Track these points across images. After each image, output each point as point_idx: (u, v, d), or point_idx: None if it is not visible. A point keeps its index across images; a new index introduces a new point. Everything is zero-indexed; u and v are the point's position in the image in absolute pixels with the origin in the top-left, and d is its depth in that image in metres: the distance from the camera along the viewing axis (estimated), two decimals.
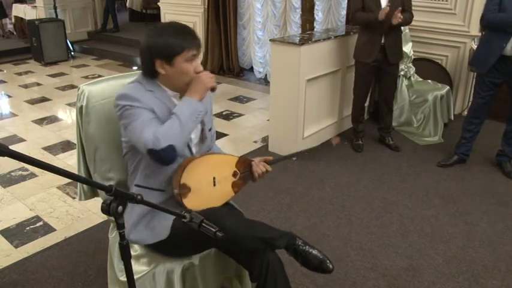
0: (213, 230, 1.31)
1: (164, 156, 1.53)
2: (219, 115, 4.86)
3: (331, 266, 1.76)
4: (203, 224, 1.32)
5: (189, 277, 1.76)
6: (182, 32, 1.63)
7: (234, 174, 1.82)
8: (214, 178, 1.75)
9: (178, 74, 1.64)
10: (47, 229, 2.81)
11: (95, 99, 1.80)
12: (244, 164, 1.85)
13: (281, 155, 1.98)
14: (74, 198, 3.16)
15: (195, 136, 1.78)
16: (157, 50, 1.61)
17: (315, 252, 1.77)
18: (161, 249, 1.74)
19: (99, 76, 6.26)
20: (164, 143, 1.50)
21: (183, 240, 1.67)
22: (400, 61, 3.80)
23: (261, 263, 1.65)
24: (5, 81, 6.28)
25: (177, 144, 1.54)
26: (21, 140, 4.23)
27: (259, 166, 1.85)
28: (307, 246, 1.78)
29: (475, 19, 4.29)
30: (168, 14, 6.68)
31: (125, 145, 1.74)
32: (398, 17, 3.38)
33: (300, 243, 1.79)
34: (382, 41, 3.56)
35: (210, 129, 1.85)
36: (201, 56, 6.34)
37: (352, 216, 2.95)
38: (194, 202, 1.66)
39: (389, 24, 3.41)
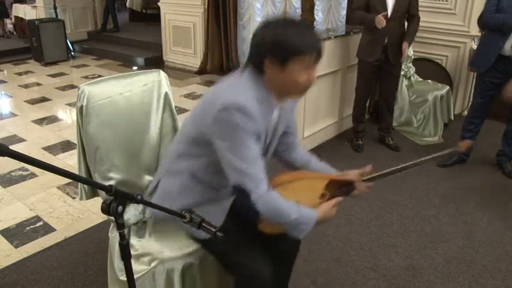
0: (213, 230, 1.31)
1: (249, 212, 1.44)
2: None
3: None
4: (203, 224, 1.32)
5: (189, 277, 1.76)
6: (309, 33, 1.42)
7: (322, 197, 1.65)
8: (297, 202, 1.56)
9: (287, 80, 1.42)
10: (47, 229, 2.81)
11: (95, 99, 1.80)
12: (337, 184, 1.68)
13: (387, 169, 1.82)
14: (74, 198, 3.16)
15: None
16: (273, 46, 1.37)
17: None
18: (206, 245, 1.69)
19: (99, 76, 6.26)
20: (263, 210, 1.42)
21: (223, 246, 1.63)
22: (401, 62, 3.80)
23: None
24: (5, 81, 6.28)
25: (264, 218, 1.47)
26: (21, 140, 4.23)
27: (362, 187, 1.72)
28: None
29: (475, 19, 4.28)
30: (168, 14, 6.68)
31: (194, 136, 1.56)
32: (405, 53, 3.62)
33: None
34: (386, 41, 3.56)
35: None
36: (201, 56, 6.39)
37: (352, 216, 2.95)
38: (268, 227, 1.59)
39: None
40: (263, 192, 1.42)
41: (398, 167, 1.79)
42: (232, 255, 1.63)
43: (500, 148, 3.56)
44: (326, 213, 1.54)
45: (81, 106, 1.79)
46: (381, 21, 3.40)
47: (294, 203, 1.48)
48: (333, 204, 1.57)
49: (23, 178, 3.47)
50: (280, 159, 1.82)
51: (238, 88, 1.44)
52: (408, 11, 3.58)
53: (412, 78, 4.45)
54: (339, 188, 1.69)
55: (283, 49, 1.37)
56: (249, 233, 1.64)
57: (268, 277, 1.61)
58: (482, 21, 3.18)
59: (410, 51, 4.37)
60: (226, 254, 1.66)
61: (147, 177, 1.99)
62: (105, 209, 1.16)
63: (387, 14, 3.49)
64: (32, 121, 4.71)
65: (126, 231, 1.59)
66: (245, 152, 1.40)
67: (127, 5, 10.18)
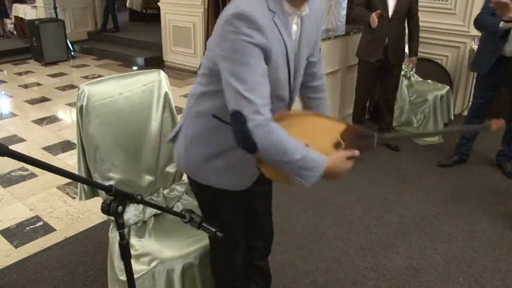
0: (213, 230, 1.32)
1: (245, 142, 1.26)
2: None
3: None
4: (203, 224, 1.32)
5: (188, 276, 1.76)
6: None
7: (337, 145, 1.42)
8: (307, 146, 1.35)
9: None
10: (47, 229, 2.81)
11: (95, 99, 1.80)
12: (355, 134, 1.45)
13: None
14: (74, 198, 3.16)
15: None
16: None
17: None
18: (201, 191, 1.61)
19: (99, 76, 6.26)
20: (262, 142, 1.24)
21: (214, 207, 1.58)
22: (401, 62, 3.81)
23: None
24: (5, 81, 6.28)
25: (261, 154, 1.29)
26: (21, 140, 4.23)
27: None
28: None
29: None
30: (168, 13, 6.68)
31: (210, 69, 1.38)
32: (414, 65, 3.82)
33: None
34: (386, 41, 3.56)
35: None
36: (201, 56, 6.38)
37: (352, 216, 2.95)
38: (270, 170, 1.39)
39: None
40: (262, 120, 1.23)
41: (421, 132, 1.58)
42: (218, 213, 1.59)
43: (500, 148, 3.56)
44: (339, 164, 1.34)
45: (81, 106, 1.79)
46: (373, 20, 3.39)
47: (300, 142, 1.29)
48: (349, 155, 1.36)
49: (23, 178, 3.47)
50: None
51: None
52: (409, 13, 3.59)
53: (412, 78, 4.45)
54: (356, 139, 1.44)
55: None
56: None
57: (239, 238, 1.65)
58: (476, 23, 3.19)
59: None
60: (213, 209, 1.59)
61: (147, 177, 1.99)
62: (105, 209, 1.16)
63: (388, 14, 3.49)
64: (32, 121, 4.71)
65: (126, 231, 1.60)
66: (245, 72, 1.22)
67: (127, 5, 10.17)
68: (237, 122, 1.25)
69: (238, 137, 1.28)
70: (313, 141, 1.35)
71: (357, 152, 1.38)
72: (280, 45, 1.29)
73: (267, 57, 1.26)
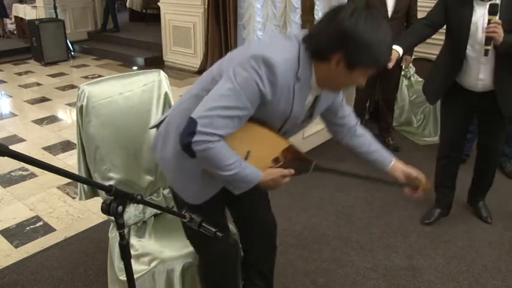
0: (213, 230, 1.32)
1: (185, 147, 1.31)
2: None
3: None
4: (203, 224, 1.32)
5: (188, 276, 1.76)
6: (386, 38, 1.25)
7: (275, 161, 1.50)
8: (248, 152, 1.44)
9: (341, 78, 1.32)
10: (47, 229, 2.81)
11: (95, 99, 1.80)
12: (295, 155, 1.52)
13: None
14: (74, 198, 3.16)
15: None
16: (353, 46, 1.22)
17: None
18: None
19: (99, 76, 6.26)
20: (199, 154, 1.29)
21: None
22: (400, 62, 3.80)
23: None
24: (5, 81, 6.28)
25: (198, 160, 1.34)
26: (21, 140, 4.23)
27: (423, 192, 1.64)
28: None
29: None
30: (168, 14, 6.68)
31: (213, 78, 1.43)
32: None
33: None
34: None
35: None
36: (201, 56, 6.39)
37: (352, 216, 2.95)
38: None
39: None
40: (209, 138, 1.28)
41: (353, 173, 1.76)
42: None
43: (500, 148, 3.55)
44: (273, 179, 1.44)
45: (81, 106, 1.79)
46: None
47: (238, 158, 1.35)
48: (284, 173, 1.45)
49: (23, 178, 3.47)
50: (340, 141, 1.80)
51: (280, 50, 1.30)
52: (408, 14, 3.59)
53: (412, 78, 4.45)
54: (295, 160, 1.52)
55: (363, 56, 1.25)
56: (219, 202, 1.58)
57: (228, 248, 1.63)
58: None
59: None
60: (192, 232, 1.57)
61: (147, 177, 1.99)
62: (105, 209, 1.16)
63: (387, 14, 3.50)
64: (32, 121, 4.71)
65: (126, 231, 1.59)
66: (232, 105, 1.27)
67: (127, 5, 10.17)
68: (189, 128, 1.29)
69: (182, 140, 1.31)
70: (255, 150, 1.43)
71: (292, 171, 1.47)
72: (286, 105, 1.36)
73: (262, 103, 1.31)
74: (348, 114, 1.71)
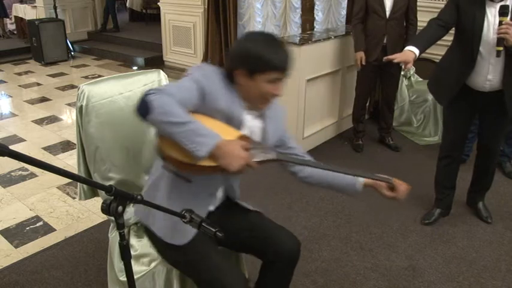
0: (213, 230, 1.31)
1: (140, 104, 1.37)
2: None
3: None
4: (203, 224, 1.32)
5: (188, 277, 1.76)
6: (277, 49, 1.51)
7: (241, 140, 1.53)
8: None
9: (253, 89, 1.52)
10: (47, 229, 2.81)
11: (95, 99, 1.80)
12: (249, 143, 1.51)
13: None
14: (74, 198, 3.16)
15: None
16: (242, 59, 1.51)
17: None
18: (165, 252, 1.68)
19: (99, 76, 6.26)
20: (155, 103, 1.33)
21: (187, 264, 1.62)
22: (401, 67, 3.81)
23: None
24: (5, 81, 6.28)
25: (154, 114, 1.34)
26: (21, 140, 4.23)
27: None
28: None
29: None
30: (168, 14, 6.68)
31: None
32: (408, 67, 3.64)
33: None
34: (385, 41, 3.57)
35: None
36: (201, 56, 6.39)
37: (352, 216, 2.95)
38: (168, 145, 1.42)
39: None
40: (158, 91, 1.37)
41: (312, 163, 1.68)
42: (203, 270, 1.57)
43: (500, 148, 3.55)
44: (231, 146, 1.38)
45: (81, 106, 1.79)
46: (356, 63, 3.68)
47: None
48: (245, 145, 1.42)
49: (23, 178, 3.47)
50: (300, 179, 1.84)
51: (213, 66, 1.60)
52: (407, 14, 3.59)
53: (412, 78, 4.45)
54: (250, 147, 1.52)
55: (253, 65, 1.49)
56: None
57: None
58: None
59: None
60: (195, 269, 1.59)
61: (147, 178, 1.99)
62: (105, 209, 1.16)
63: (385, 14, 3.50)
64: (32, 121, 4.71)
65: (126, 231, 1.59)
66: (176, 83, 1.47)
67: (127, 5, 10.18)
68: (144, 93, 1.38)
69: (138, 103, 1.38)
70: (221, 133, 1.45)
71: (248, 145, 1.45)
72: (225, 104, 1.52)
73: (203, 97, 1.48)
74: (299, 147, 1.81)
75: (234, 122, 1.54)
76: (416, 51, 2.45)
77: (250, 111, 1.60)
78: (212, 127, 1.42)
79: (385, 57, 2.54)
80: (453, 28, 2.60)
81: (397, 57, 2.42)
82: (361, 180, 1.74)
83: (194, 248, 1.59)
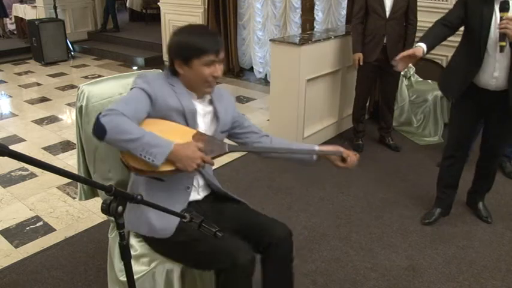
0: (213, 230, 1.32)
1: (95, 127, 1.48)
2: None
3: None
4: (203, 224, 1.32)
5: (188, 277, 1.76)
6: (203, 35, 1.64)
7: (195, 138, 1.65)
8: None
9: (194, 76, 1.64)
10: (47, 229, 2.81)
11: (95, 99, 1.80)
12: (205, 139, 1.64)
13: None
14: (74, 198, 3.16)
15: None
16: (176, 51, 1.63)
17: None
18: (158, 246, 1.72)
19: (99, 76, 6.26)
20: (106, 122, 1.45)
21: (184, 247, 1.65)
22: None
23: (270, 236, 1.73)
24: (5, 81, 6.28)
25: (109, 135, 1.46)
26: (21, 140, 4.23)
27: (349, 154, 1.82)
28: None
29: None
30: (168, 14, 6.68)
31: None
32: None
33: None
34: (385, 41, 3.57)
35: (222, 132, 1.79)
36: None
37: (352, 216, 2.95)
38: (131, 158, 1.52)
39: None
40: (111, 112, 1.48)
41: (268, 148, 1.85)
42: (202, 243, 1.59)
43: (504, 152, 3.55)
44: (186, 148, 1.51)
45: (81, 106, 1.79)
46: (354, 63, 3.69)
47: (141, 127, 1.53)
48: (199, 146, 1.55)
49: (23, 178, 3.47)
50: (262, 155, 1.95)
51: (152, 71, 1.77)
52: (407, 14, 3.58)
53: (412, 78, 4.45)
54: (208, 143, 1.64)
55: (185, 52, 1.61)
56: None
57: (247, 262, 1.56)
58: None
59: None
60: (193, 246, 1.62)
61: None
62: (105, 209, 1.16)
63: (385, 14, 3.50)
64: (32, 121, 4.71)
65: (126, 231, 1.59)
66: (126, 97, 1.61)
67: (127, 5, 10.18)
68: (97, 116, 1.49)
69: (93, 126, 1.49)
70: (169, 137, 1.55)
71: (200, 145, 1.56)
72: (174, 101, 1.63)
73: (153, 102, 1.60)
74: (256, 127, 1.91)
75: (188, 114, 1.65)
76: (424, 46, 2.49)
77: (199, 99, 1.72)
78: (168, 131, 1.57)
79: (393, 61, 2.55)
80: (462, 28, 2.61)
81: (407, 52, 2.46)
82: (317, 147, 1.88)
83: (185, 231, 1.62)
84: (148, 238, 1.72)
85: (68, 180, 3.32)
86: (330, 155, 1.84)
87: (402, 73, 4.26)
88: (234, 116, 1.84)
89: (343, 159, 1.84)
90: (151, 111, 1.61)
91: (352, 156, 1.83)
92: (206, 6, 6.13)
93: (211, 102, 1.76)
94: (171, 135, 1.56)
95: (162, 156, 1.47)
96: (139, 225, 1.69)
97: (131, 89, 1.63)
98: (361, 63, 3.64)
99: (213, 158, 1.61)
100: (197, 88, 1.68)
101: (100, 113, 1.49)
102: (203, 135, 1.65)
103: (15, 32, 9.07)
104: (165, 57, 6.88)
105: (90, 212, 2.99)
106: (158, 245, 1.71)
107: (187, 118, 1.66)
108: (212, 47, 1.60)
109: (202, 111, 1.73)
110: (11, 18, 9.06)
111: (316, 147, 1.87)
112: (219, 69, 1.65)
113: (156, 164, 1.47)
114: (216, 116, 1.75)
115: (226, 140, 1.79)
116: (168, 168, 1.51)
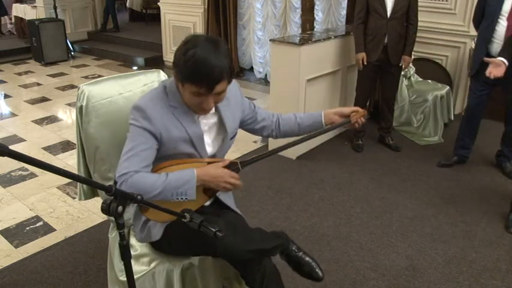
0: (213, 230, 1.31)
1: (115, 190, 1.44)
2: None
3: (320, 274, 1.77)
4: (203, 224, 1.32)
5: (188, 277, 1.76)
6: (205, 63, 1.42)
7: None
8: None
9: (185, 98, 1.53)
10: (47, 229, 2.81)
11: (95, 99, 1.80)
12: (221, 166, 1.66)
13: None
14: (74, 198, 3.16)
15: (210, 141, 1.69)
16: (175, 62, 1.49)
17: (307, 259, 1.78)
18: (158, 248, 1.75)
19: (99, 76, 6.26)
20: (125, 188, 1.42)
21: (178, 243, 1.67)
22: (401, 62, 3.80)
23: (257, 271, 1.64)
24: (5, 81, 6.28)
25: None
26: (21, 140, 4.23)
27: (357, 118, 1.80)
28: (301, 253, 1.79)
29: None
30: (168, 13, 6.68)
31: None
32: (406, 66, 3.78)
33: (293, 248, 1.79)
34: (385, 41, 3.58)
35: (231, 138, 1.74)
36: None
37: (352, 216, 2.95)
38: (154, 214, 1.60)
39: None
40: (123, 176, 1.47)
41: (281, 146, 1.76)
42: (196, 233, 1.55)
43: (499, 148, 3.56)
44: (210, 169, 1.55)
45: (81, 106, 1.79)
46: (358, 63, 3.70)
47: (160, 174, 1.52)
48: (222, 164, 1.58)
49: (23, 178, 3.47)
50: (277, 137, 1.93)
51: (147, 94, 1.61)
52: (408, 14, 3.58)
53: (412, 78, 4.45)
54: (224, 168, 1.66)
55: (181, 72, 1.47)
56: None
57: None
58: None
59: None
60: (190, 236, 1.59)
61: None
62: (105, 209, 1.16)
63: (386, 14, 3.51)
64: (32, 121, 4.71)
65: (126, 231, 1.59)
66: (129, 144, 1.53)
67: (127, 5, 10.18)
68: (114, 181, 1.51)
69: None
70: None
71: (227, 162, 1.60)
72: (179, 131, 1.56)
73: (159, 139, 1.55)
74: (266, 113, 1.88)
75: (195, 141, 1.60)
76: (506, 61, 2.85)
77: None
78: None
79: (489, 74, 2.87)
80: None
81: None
82: (323, 117, 1.87)
83: (171, 237, 1.66)
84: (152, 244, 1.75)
85: (68, 180, 3.32)
86: (340, 126, 1.87)
87: (402, 73, 4.26)
88: (245, 113, 1.79)
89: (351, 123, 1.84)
90: (159, 147, 1.57)
91: (359, 113, 1.80)
92: (206, 6, 6.13)
93: (216, 108, 1.65)
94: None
95: (192, 191, 1.50)
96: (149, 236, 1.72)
97: (131, 123, 1.54)
98: (365, 63, 3.64)
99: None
100: (192, 108, 1.57)
101: (116, 182, 1.47)
102: (217, 159, 1.66)
103: (14, 33, 9.07)
104: (165, 57, 6.90)
105: (90, 212, 2.99)
106: (160, 245, 1.72)
107: (195, 144, 1.61)
108: (207, 81, 1.43)
109: (207, 127, 1.66)
110: (10, 18, 9.06)
111: (323, 119, 1.86)
112: (211, 102, 1.50)
113: (191, 199, 1.50)
114: (222, 124, 1.68)
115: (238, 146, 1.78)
116: (202, 197, 1.57)
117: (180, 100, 1.57)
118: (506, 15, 3.06)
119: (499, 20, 3.10)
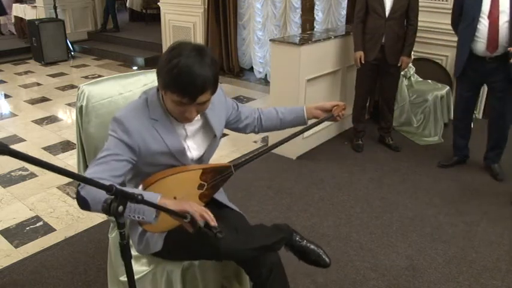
0: (214, 230, 1.32)
1: (78, 201, 1.41)
2: None
3: (327, 260, 1.80)
4: (204, 225, 1.32)
5: (189, 277, 1.76)
6: (190, 71, 1.39)
7: (200, 187, 1.65)
8: (175, 198, 1.56)
9: (167, 105, 1.51)
10: (47, 229, 2.81)
11: (95, 99, 1.80)
12: (212, 172, 1.66)
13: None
14: (74, 198, 3.16)
15: (196, 146, 1.67)
16: (158, 68, 1.49)
17: (312, 247, 1.80)
18: (157, 256, 1.73)
19: (99, 76, 6.26)
20: (85, 194, 1.38)
21: (178, 250, 1.66)
22: (399, 62, 3.80)
23: (263, 265, 1.64)
24: (5, 81, 6.28)
25: (93, 207, 1.38)
26: (21, 140, 4.23)
27: (338, 112, 1.83)
28: (305, 241, 1.81)
29: None
30: (168, 14, 6.68)
31: None
32: (405, 66, 3.78)
33: (297, 238, 1.82)
34: (383, 40, 3.58)
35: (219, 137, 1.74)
36: None
37: (352, 216, 2.95)
38: (150, 227, 1.54)
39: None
40: (92, 174, 1.43)
41: (263, 149, 1.79)
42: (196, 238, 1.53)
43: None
44: (182, 203, 1.39)
45: (81, 106, 1.79)
46: (356, 61, 3.71)
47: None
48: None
49: (23, 178, 3.47)
50: (260, 132, 1.94)
51: (128, 106, 1.58)
52: (407, 14, 3.58)
53: (412, 78, 4.45)
54: (216, 174, 1.65)
55: (164, 80, 1.43)
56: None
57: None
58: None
59: None
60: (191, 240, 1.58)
61: None
62: (106, 208, 1.16)
63: (385, 14, 3.51)
64: (32, 121, 4.71)
65: (126, 231, 1.59)
66: (104, 151, 1.49)
67: (127, 5, 10.18)
68: (77, 188, 1.42)
69: (77, 200, 1.42)
70: (179, 193, 1.56)
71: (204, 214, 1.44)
72: (158, 144, 1.53)
73: (137, 152, 1.51)
74: (249, 111, 1.88)
75: (176, 154, 1.56)
76: None
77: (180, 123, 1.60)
78: (175, 186, 1.54)
79: None
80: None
81: None
82: (304, 111, 1.88)
83: (174, 233, 1.62)
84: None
85: (68, 180, 3.33)
86: (324, 121, 1.88)
87: (402, 73, 4.26)
88: (230, 113, 1.79)
89: (333, 117, 1.88)
90: (138, 159, 1.52)
91: (336, 109, 1.84)
92: (206, 6, 6.13)
93: (201, 114, 1.63)
94: (180, 187, 1.56)
95: (151, 213, 1.35)
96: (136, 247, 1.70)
97: (110, 134, 1.51)
98: (363, 62, 3.65)
99: (222, 180, 1.65)
100: (175, 117, 1.54)
101: (79, 184, 1.40)
102: (207, 172, 1.62)
103: (14, 33, 9.06)
104: None
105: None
106: (158, 253, 1.70)
107: (177, 156, 1.57)
108: (189, 92, 1.39)
109: (190, 133, 1.63)
110: (10, 18, 9.05)
111: (305, 114, 1.88)
112: (193, 111, 1.46)
113: (148, 221, 1.36)
114: (209, 126, 1.67)
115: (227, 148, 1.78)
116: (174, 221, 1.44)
117: (161, 112, 1.54)
118: (487, 13, 3.06)
119: (480, 19, 3.09)
